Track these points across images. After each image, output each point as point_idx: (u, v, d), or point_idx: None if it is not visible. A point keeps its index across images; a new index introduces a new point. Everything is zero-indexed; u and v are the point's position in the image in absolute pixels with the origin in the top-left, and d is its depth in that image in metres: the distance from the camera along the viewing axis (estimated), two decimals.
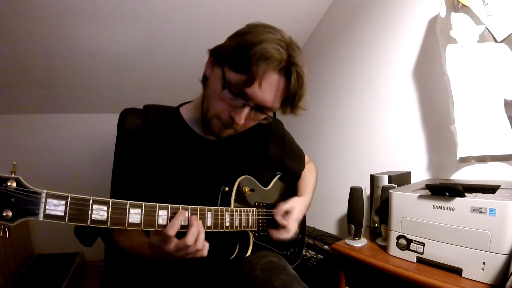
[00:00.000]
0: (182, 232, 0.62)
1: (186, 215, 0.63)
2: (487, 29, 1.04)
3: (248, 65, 0.64)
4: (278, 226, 0.86)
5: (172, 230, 0.59)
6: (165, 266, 0.78)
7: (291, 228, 0.86)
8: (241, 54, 0.65)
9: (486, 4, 1.03)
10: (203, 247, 0.64)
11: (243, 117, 0.70)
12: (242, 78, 0.66)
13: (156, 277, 0.79)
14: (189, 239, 0.61)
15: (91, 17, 1.48)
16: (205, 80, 0.78)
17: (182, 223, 0.62)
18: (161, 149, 0.79)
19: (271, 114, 0.76)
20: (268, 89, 0.68)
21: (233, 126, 0.74)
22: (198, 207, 0.67)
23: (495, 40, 1.03)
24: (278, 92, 0.70)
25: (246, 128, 0.80)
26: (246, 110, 0.70)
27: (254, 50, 0.63)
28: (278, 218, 0.86)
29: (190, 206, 0.65)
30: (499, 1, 1.01)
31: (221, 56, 0.71)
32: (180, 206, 0.64)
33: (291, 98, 0.71)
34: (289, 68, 0.68)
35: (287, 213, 0.88)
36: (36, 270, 1.90)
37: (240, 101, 0.69)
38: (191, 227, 0.62)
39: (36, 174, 1.66)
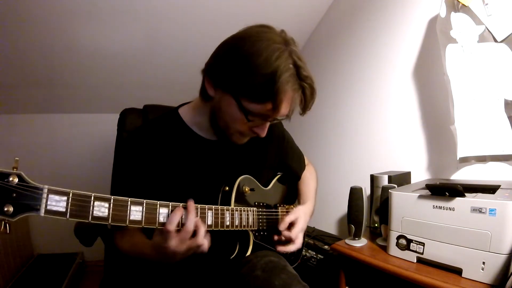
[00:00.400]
0: None
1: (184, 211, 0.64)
2: (487, 29, 1.04)
3: (270, 97, 0.66)
4: (282, 238, 0.87)
5: (171, 225, 0.60)
6: (165, 266, 0.78)
7: (297, 240, 0.87)
8: (258, 87, 0.66)
9: (486, 4, 1.03)
10: (204, 241, 0.64)
11: (265, 131, 0.77)
12: (264, 107, 0.68)
13: (156, 277, 0.79)
14: (189, 225, 0.61)
15: (91, 17, 1.48)
16: (208, 97, 0.76)
17: (183, 221, 0.62)
18: (161, 150, 0.79)
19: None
20: (286, 105, 0.71)
21: (253, 136, 0.79)
22: (199, 205, 0.67)
23: (495, 40, 1.03)
24: (294, 104, 0.72)
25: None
26: (268, 124, 0.76)
27: (277, 86, 0.64)
28: (284, 231, 0.85)
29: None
30: (499, 1, 1.01)
31: (226, 82, 0.70)
32: (181, 204, 0.64)
33: (305, 108, 0.74)
34: (302, 85, 0.70)
35: (292, 224, 0.87)
36: (36, 270, 1.90)
37: (260, 119, 0.74)
38: (189, 213, 0.63)
39: (36, 174, 1.65)
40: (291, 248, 0.86)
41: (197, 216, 0.65)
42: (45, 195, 0.47)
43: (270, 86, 0.64)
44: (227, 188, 0.80)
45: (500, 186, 0.90)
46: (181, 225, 0.62)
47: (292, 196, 1.05)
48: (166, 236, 0.60)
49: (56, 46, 1.57)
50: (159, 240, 0.62)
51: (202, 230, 0.64)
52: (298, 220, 0.88)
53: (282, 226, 0.85)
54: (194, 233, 0.63)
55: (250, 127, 0.76)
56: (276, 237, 0.88)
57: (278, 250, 0.86)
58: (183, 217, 0.63)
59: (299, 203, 1.03)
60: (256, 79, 0.65)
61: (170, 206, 0.63)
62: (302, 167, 1.09)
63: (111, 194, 0.83)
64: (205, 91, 0.75)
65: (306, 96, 0.72)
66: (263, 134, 0.77)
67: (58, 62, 1.68)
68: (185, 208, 0.64)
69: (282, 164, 1.00)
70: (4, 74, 1.66)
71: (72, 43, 1.58)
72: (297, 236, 0.86)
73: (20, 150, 2.03)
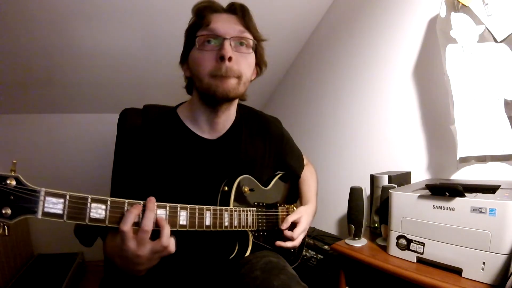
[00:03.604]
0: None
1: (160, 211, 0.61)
2: (487, 29, 1.04)
3: (197, 21, 0.76)
4: (283, 236, 0.87)
5: (125, 225, 0.55)
6: (164, 266, 0.78)
7: (298, 241, 0.88)
8: (189, 28, 0.79)
9: (486, 4, 1.03)
10: (169, 242, 0.59)
11: (227, 49, 0.72)
12: (201, 30, 0.75)
13: (155, 277, 0.79)
14: (146, 223, 0.57)
15: (91, 17, 1.48)
16: (189, 81, 0.84)
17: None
18: (159, 150, 0.79)
19: (250, 46, 0.79)
20: (223, 22, 0.75)
21: (226, 68, 0.72)
22: (197, 206, 0.67)
23: (495, 40, 1.02)
24: (235, 23, 0.77)
25: (244, 74, 0.77)
26: (226, 43, 0.73)
27: (192, 16, 0.78)
28: (285, 230, 0.87)
29: (188, 206, 0.65)
30: (499, 1, 1.01)
31: (183, 52, 0.81)
32: (179, 205, 0.64)
33: (248, 25, 0.78)
34: (231, 6, 0.78)
35: (294, 224, 0.88)
36: (36, 270, 1.90)
37: (215, 44, 0.74)
38: (146, 211, 0.58)
39: (36, 174, 1.65)
40: (289, 245, 0.87)
41: (166, 214, 0.61)
42: (42, 198, 0.47)
43: (195, 16, 0.77)
44: (226, 188, 0.80)
45: (500, 186, 0.90)
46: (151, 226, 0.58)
47: (292, 196, 1.05)
48: (123, 236, 0.56)
49: (56, 46, 1.57)
50: (118, 243, 0.57)
51: (166, 229, 0.59)
52: (301, 220, 0.89)
53: (285, 225, 0.87)
54: (159, 234, 0.59)
55: (213, 58, 0.73)
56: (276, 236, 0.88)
57: (275, 244, 0.87)
58: (140, 215, 0.58)
59: (300, 204, 1.03)
60: (189, 26, 0.79)
61: (168, 207, 0.62)
62: (301, 166, 1.09)
63: (111, 195, 0.84)
64: (185, 76, 0.84)
65: (238, 15, 0.77)
66: (225, 51, 0.71)
67: (58, 62, 1.68)
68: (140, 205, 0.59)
69: (282, 163, 1.00)
70: (4, 74, 1.66)
71: (72, 42, 1.58)
72: (298, 236, 0.88)
73: (20, 150, 2.03)
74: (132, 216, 0.56)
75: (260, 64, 0.85)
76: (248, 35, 0.77)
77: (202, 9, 0.75)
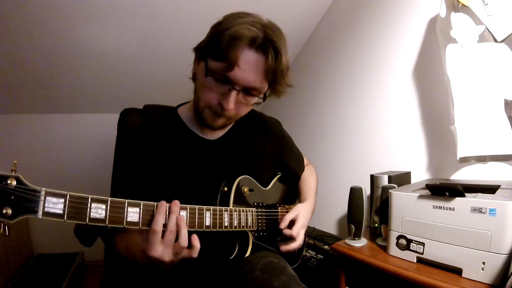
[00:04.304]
0: None
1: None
2: (487, 29, 1.04)
3: (224, 49, 0.65)
4: (283, 236, 0.87)
5: (157, 225, 0.58)
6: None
7: (299, 238, 0.87)
8: (216, 42, 0.67)
9: (486, 4, 1.03)
10: (186, 243, 0.62)
11: (231, 102, 0.70)
12: (221, 64, 0.67)
13: (155, 277, 0.79)
14: (171, 225, 0.60)
15: (91, 17, 1.48)
16: (194, 77, 0.79)
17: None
18: (159, 149, 0.79)
19: (260, 95, 0.75)
20: (247, 68, 0.68)
21: (223, 113, 0.73)
22: (197, 206, 0.67)
23: (495, 40, 1.02)
24: (260, 71, 0.70)
25: (241, 116, 0.79)
26: (233, 94, 0.70)
27: (225, 34, 0.65)
28: (284, 229, 0.86)
29: (188, 206, 0.65)
30: (499, 1, 1.01)
31: (201, 49, 0.73)
32: (179, 205, 0.64)
33: (273, 74, 0.70)
34: (265, 45, 0.68)
35: (292, 222, 0.88)
36: (36, 270, 1.90)
37: (225, 86, 0.70)
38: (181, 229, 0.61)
39: (36, 174, 1.65)
40: (294, 246, 0.86)
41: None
42: (42, 197, 0.47)
43: (226, 43, 0.65)
44: (225, 188, 0.80)
45: (500, 186, 0.90)
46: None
47: (292, 196, 1.05)
48: (153, 237, 0.59)
49: (56, 46, 1.57)
50: (144, 244, 0.60)
51: (184, 231, 0.62)
52: (298, 217, 0.88)
53: (283, 224, 0.86)
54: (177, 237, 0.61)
55: (216, 97, 0.72)
56: (278, 237, 0.88)
57: (281, 250, 0.87)
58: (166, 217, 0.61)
59: (299, 202, 1.03)
60: (218, 39, 0.67)
61: (168, 207, 0.62)
62: (301, 167, 1.09)
63: (111, 194, 0.84)
64: (193, 72, 0.79)
65: (268, 59, 0.68)
66: (228, 105, 0.70)
67: (58, 62, 1.68)
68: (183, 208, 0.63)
69: (282, 164, 1.00)
70: (4, 74, 1.66)
71: (72, 43, 1.58)
72: (298, 233, 0.87)
73: (20, 150, 2.03)
74: (162, 217, 0.59)
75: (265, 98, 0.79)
76: (264, 86, 0.73)
77: (232, 40, 0.65)
